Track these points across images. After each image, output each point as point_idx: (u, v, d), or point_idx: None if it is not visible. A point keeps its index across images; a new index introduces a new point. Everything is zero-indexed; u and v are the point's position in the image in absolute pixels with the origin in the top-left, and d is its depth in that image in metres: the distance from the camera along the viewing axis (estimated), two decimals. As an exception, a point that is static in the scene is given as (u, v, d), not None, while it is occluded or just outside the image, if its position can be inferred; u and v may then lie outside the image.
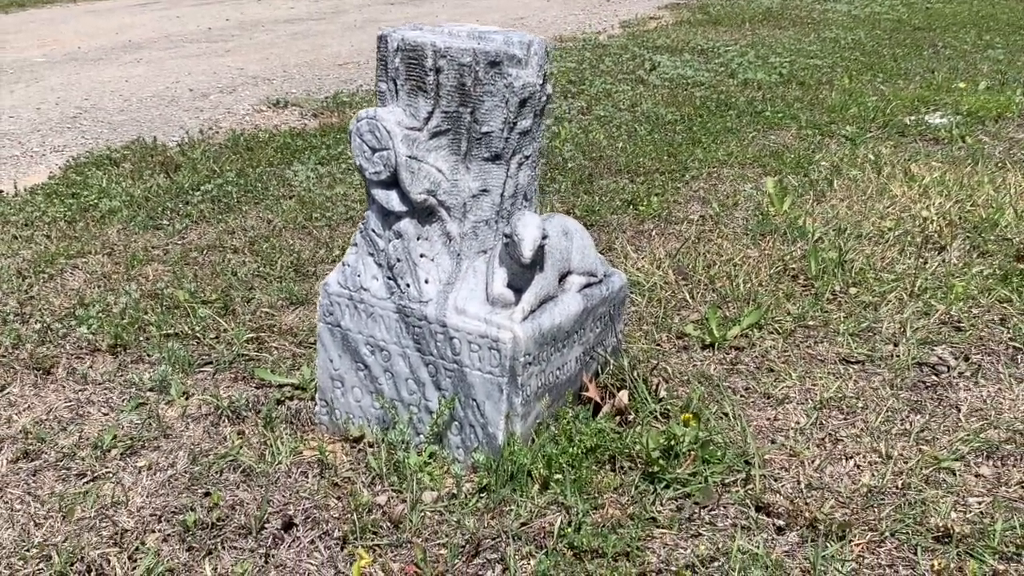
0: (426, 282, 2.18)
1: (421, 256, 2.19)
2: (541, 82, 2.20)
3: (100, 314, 2.80)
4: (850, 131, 4.90)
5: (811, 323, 2.80)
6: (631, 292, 3.03)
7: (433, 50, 2.07)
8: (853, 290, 2.99)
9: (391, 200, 2.16)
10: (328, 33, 8.87)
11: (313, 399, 2.34)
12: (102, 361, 2.62)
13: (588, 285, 2.30)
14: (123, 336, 2.68)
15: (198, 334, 2.71)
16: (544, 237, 2.09)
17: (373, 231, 2.22)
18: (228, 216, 3.72)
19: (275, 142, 4.73)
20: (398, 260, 2.19)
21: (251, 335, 2.70)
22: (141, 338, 2.71)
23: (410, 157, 2.12)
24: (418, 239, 2.19)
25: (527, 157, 2.23)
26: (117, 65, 7.35)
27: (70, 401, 2.42)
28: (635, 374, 2.34)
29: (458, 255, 2.20)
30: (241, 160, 4.41)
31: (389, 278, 2.21)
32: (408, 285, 2.19)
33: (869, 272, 3.09)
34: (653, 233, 3.57)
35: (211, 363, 2.59)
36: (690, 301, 2.97)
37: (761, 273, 3.11)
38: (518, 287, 2.13)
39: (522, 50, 2.14)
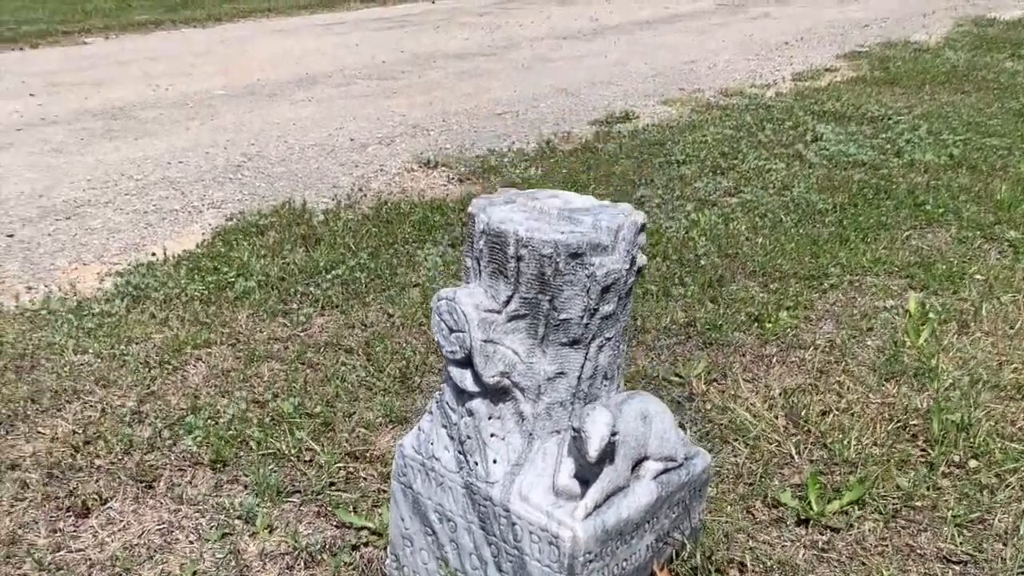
0: (494, 462, 2.17)
1: (492, 436, 2.17)
2: (628, 266, 2.14)
3: (208, 422, 2.93)
4: (1014, 236, 4.56)
5: (918, 503, 2.62)
6: (733, 440, 2.92)
7: (515, 239, 2.05)
8: (973, 463, 2.79)
9: (465, 379, 2.16)
10: (493, 73, 8.97)
11: (386, 548, 2.36)
12: (201, 477, 2.73)
13: (666, 470, 2.23)
14: (224, 452, 2.79)
15: (293, 456, 2.79)
16: (614, 434, 2.04)
17: (447, 404, 2.22)
18: (353, 306, 3.81)
19: (415, 214, 4.82)
20: (468, 437, 2.18)
21: (342, 463, 2.75)
22: (241, 454, 2.81)
23: (485, 341, 2.10)
24: (489, 418, 2.17)
25: (608, 339, 2.18)
26: (289, 103, 7.67)
27: (163, 524, 2.53)
28: (710, 563, 2.25)
29: (530, 435, 2.17)
30: (378, 236, 4.51)
31: (459, 452, 2.21)
32: (476, 463, 2.18)
33: (996, 440, 2.87)
34: (774, 360, 3.43)
35: (300, 492, 2.66)
36: (796, 458, 2.83)
37: (878, 430, 2.94)
38: (585, 478, 2.09)
39: (609, 236, 2.09)
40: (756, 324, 3.69)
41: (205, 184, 5.54)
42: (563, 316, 2.08)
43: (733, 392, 3.17)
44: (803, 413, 3.04)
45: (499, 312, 2.13)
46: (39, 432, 2.91)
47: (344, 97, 7.94)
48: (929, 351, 3.41)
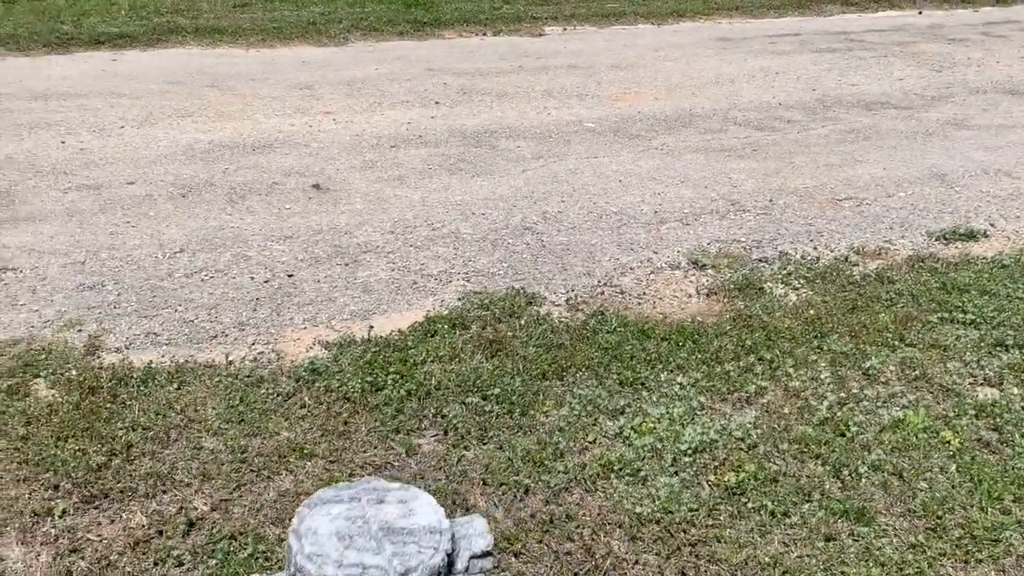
0: None
1: None
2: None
3: (255, 557, 3.30)
4: None
5: None
6: None
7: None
8: None
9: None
10: (884, 137, 8.19)
11: None
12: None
13: None
14: (219, 588, 3.16)
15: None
16: None
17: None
18: (467, 444, 3.95)
19: (614, 337, 4.76)
20: None
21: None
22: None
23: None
24: None
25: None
26: (641, 150, 7.71)
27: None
28: None
29: None
30: (554, 359, 4.56)
31: None
32: None
33: None
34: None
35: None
36: None
37: None
38: None
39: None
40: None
41: (479, 247, 5.89)
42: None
43: None
44: None
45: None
46: (118, 517, 3.50)
47: (700, 150, 7.80)
48: None
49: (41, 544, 3.36)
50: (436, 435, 4.03)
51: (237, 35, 11.48)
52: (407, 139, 7.84)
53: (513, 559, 3.34)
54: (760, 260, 5.75)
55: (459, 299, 5.20)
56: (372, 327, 4.87)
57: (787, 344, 4.71)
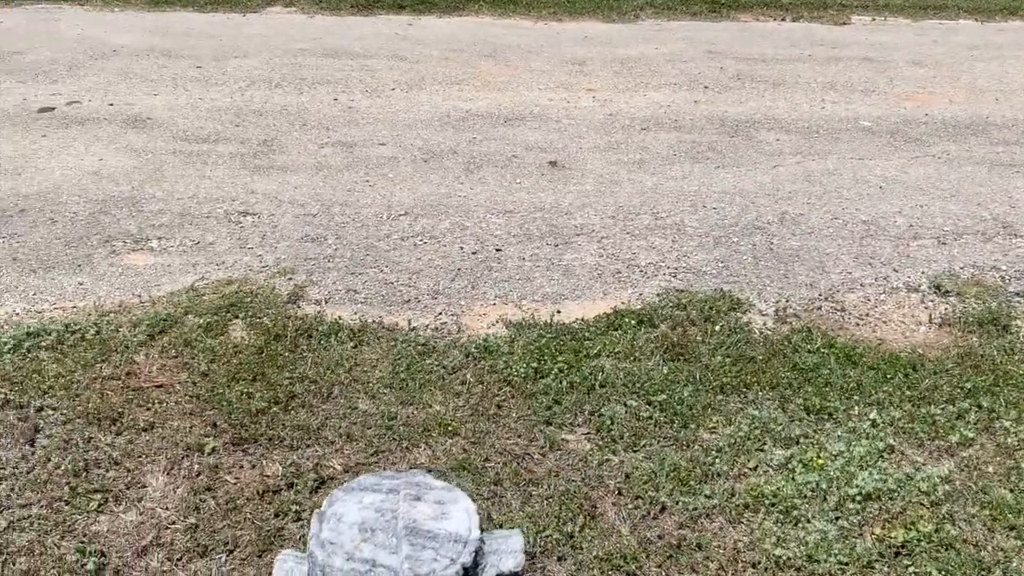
0: None
1: None
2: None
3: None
4: None
5: None
6: None
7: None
8: None
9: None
10: None
11: None
12: None
13: None
14: None
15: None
16: None
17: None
18: (614, 448, 3.76)
19: (812, 358, 4.35)
20: None
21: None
22: None
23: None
24: None
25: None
26: (915, 155, 7.02)
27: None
28: None
29: None
30: (744, 369, 4.23)
31: None
32: None
33: None
34: None
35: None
36: None
37: None
38: None
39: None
40: None
41: (699, 242, 5.58)
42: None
43: None
44: None
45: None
46: (258, 463, 3.63)
47: (984, 162, 6.95)
48: None
49: (183, 478, 3.55)
50: (586, 433, 3.85)
51: (529, 7, 11.61)
52: (660, 122, 7.59)
53: (621, 580, 3.12)
54: (1017, 294, 5.03)
55: (657, 295, 4.95)
56: (559, 312, 4.75)
57: (1015, 394, 4.08)
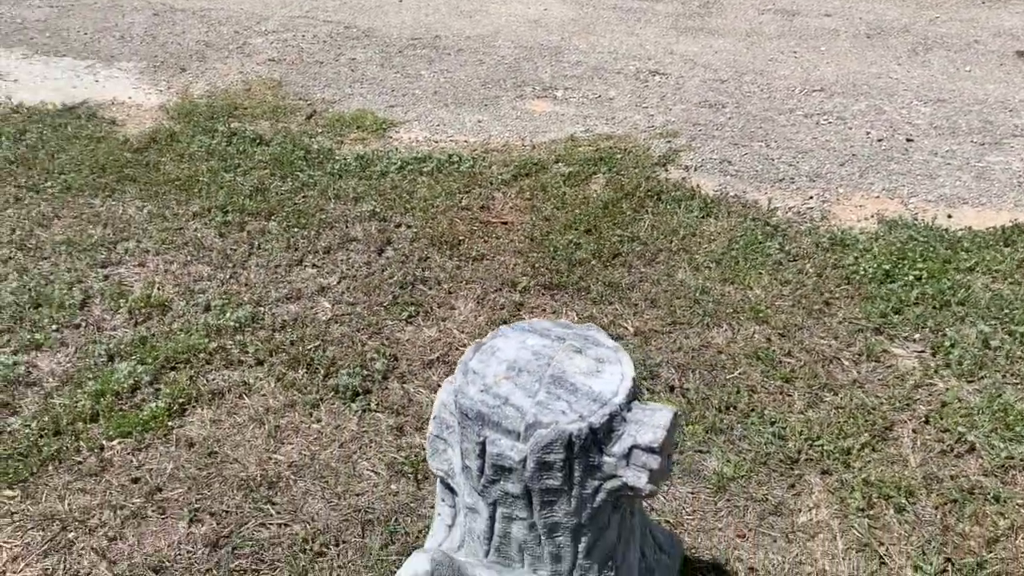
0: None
1: (438, 514, 2.31)
2: (538, 467, 1.91)
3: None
4: None
5: None
6: None
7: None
8: None
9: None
10: None
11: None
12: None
13: None
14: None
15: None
16: None
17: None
18: (943, 374, 3.24)
19: None
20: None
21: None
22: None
23: (436, 436, 2.21)
24: (442, 500, 2.30)
25: (511, 518, 2.03)
26: None
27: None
28: None
29: (449, 527, 2.26)
30: None
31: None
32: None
33: None
34: None
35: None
36: None
37: None
38: None
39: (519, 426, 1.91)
40: None
41: None
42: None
43: None
44: None
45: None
46: (562, 310, 3.64)
47: None
48: None
49: (488, 308, 3.67)
50: (918, 351, 3.34)
51: None
52: None
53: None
54: None
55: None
56: (949, 216, 4.11)
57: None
